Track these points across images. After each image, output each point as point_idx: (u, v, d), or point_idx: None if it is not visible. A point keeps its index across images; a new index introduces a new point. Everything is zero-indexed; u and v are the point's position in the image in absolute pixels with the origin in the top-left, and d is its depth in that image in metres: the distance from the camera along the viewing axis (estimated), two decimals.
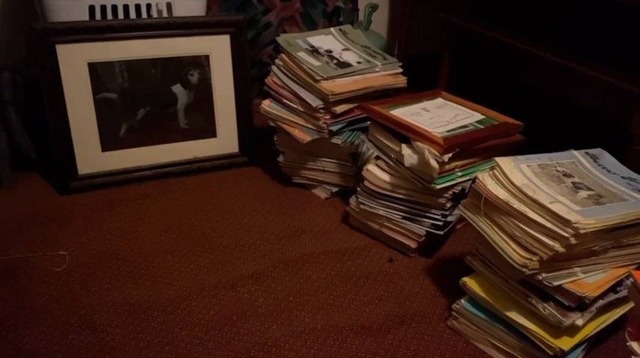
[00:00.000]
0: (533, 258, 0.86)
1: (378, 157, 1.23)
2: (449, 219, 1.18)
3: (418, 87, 1.42)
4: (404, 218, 1.19)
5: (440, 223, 1.16)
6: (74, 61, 1.32)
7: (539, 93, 1.52)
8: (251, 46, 1.74)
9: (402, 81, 1.38)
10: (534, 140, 1.24)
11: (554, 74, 1.36)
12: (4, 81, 1.35)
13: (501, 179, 0.94)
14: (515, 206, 0.90)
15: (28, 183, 1.42)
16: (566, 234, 0.83)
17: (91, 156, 1.39)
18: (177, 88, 1.44)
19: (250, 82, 1.53)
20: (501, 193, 0.92)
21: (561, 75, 1.34)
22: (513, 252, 0.89)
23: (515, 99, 1.70)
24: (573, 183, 0.95)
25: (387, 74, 1.38)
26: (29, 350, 0.95)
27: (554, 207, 0.86)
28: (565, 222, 0.83)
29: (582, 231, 0.82)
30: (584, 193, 0.92)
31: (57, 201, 1.36)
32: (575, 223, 0.82)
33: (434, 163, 1.07)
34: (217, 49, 1.45)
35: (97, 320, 1.02)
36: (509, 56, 1.51)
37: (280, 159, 1.43)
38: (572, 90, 1.31)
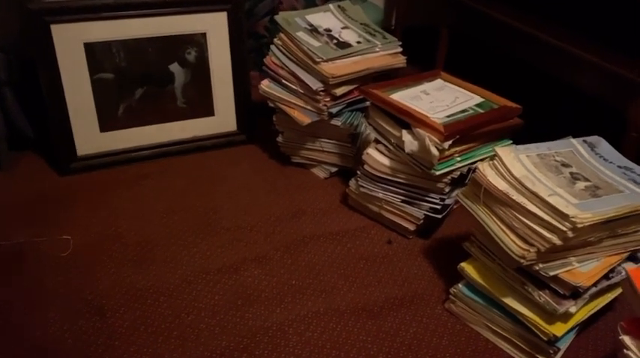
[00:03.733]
0: (531, 250, 0.89)
1: (378, 141, 1.24)
2: (447, 202, 1.21)
3: (416, 58, 1.40)
4: (403, 201, 1.21)
5: (438, 207, 1.19)
6: (70, 41, 1.30)
7: (537, 73, 1.52)
8: (247, 17, 1.71)
9: (401, 61, 1.37)
10: (531, 121, 1.25)
11: (554, 56, 1.35)
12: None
13: (501, 170, 0.96)
14: (514, 197, 0.92)
15: (26, 163, 1.42)
16: (564, 228, 0.85)
17: (89, 136, 1.39)
18: (174, 67, 1.43)
19: (248, 60, 1.52)
20: (501, 184, 0.94)
21: (560, 57, 1.33)
22: (512, 243, 0.91)
23: (512, 78, 1.70)
24: (571, 173, 0.97)
25: (387, 54, 1.37)
26: (40, 336, 0.98)
27: (553, 200, 0.88)
28: (563, 216, 0.86)
29: (579, 226, 0.84)
30: (581, 184, 0.94)
31: (57, 183, 1.36)
32: (572, 217, 0.85)
33: (434, 151, 1.08)
34: (214, 27, 1.43)
35: (104, 305, 1.05)
36: (508, 35, 1.50)
37: (279, 139, 1.44)
38: (570, 73, 1.32)
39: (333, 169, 1.44)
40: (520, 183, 0.92)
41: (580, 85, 1.31)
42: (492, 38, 1.59)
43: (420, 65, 1.52)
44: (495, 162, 0.97)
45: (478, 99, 1.25)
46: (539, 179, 0.94)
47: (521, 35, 1.44)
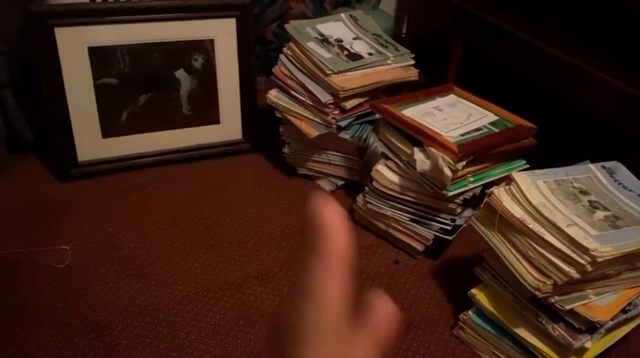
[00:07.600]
0: (547, 282, 0.85)
1: (387, 157, 1.20)
2: (458, 222, 1.17)
3: (427, 66, 1.35)
4: (412, 220, 1.18)
5: (449, 228, 1.15)
6: (74, 45, 1.26)
7: (549, 92, 1.48)
8: (255, 22, 1.67)
9: (413, 74, 1.34)
10: (543, 141, 1.21)
11: (568, 74, 1.32)
12: (1, 63, 1.29)
13: (517, 196, 0.92)
14: (530, 226, 0.88)
15: (25, 167, 1.39)
16: (583, 261, 0.82)
17: (91, 142, 1.35)
18: (180, 73, 1.39)
19: (255, 68, 1.48)
20: (517, 211, 0.91)
21: (574, 76, 1.30)
22: (527, 274, 0.88)
23: (525, 94, 1.66)
24: (590, 201, 0.93)
25: (399, 66, 1.33)
26: (35, 353, 0.95)
27: (571, 231, 0.84)
28: (582, 249, 0.82)
29: (599, 259, 0.81)
30: (600, 214, 0.91)
31: (56, 189, 1.33)
32: (592, 251, 0.81)
33: (447, 171, 1.05)
34: (222, 33, 1.39)
35: (102, 322, 1.01)
36: (522, 51, 1.46)
37: (285, 150, 1.40)
38: (584, 93, 1.28)
39: (340, 182, 1.40)
40: (537, 210, 0.89)
41: (594, 105, 1.27)
42: (505, 52, 1.55)
43: (432, 73, 1.48)
44: (512, 187, 0.94)
45: (492, 117, 1.22)
46: (556, 207, 0.90)
47: (537, 52, 1.40)
